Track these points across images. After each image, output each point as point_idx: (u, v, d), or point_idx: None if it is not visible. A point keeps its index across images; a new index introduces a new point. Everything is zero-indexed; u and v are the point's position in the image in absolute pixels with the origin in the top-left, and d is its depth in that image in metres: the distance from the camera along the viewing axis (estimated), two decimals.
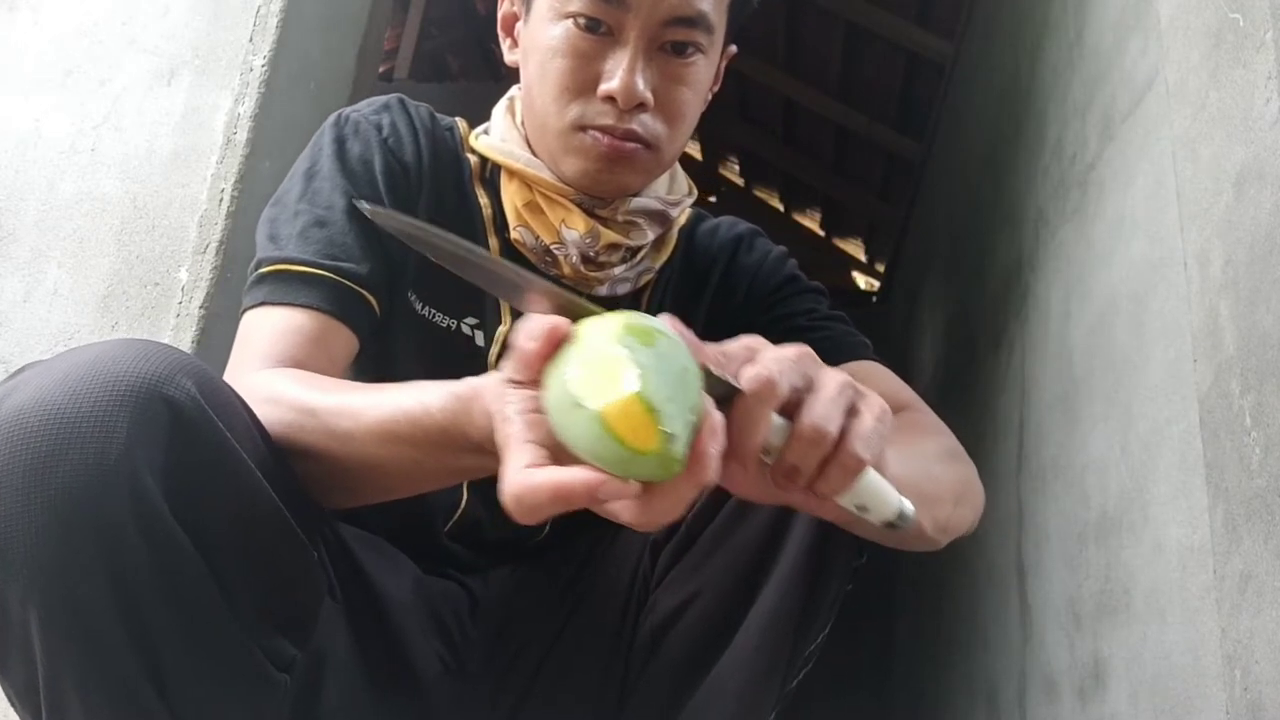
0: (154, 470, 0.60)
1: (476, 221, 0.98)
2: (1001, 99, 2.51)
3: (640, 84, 0.88)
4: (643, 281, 1.00)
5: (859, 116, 4.50)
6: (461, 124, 1.04)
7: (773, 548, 0.83)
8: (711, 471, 0.52)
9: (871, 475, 0.58)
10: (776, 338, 0.61)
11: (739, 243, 1.08)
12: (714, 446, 0.52)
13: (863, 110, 4.48)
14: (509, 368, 0.57)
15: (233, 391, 0.68)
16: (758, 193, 6.30)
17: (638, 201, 0.95)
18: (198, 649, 0.65)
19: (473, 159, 1.01)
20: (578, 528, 0.99)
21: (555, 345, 0.54)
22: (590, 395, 0.50)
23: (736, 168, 6.26)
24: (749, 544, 0.84)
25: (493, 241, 0.98)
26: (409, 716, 0.90)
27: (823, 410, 0.56)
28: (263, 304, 0.86)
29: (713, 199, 6.27)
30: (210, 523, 0.64)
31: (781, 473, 0.57)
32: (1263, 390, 0.90)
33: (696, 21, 0.89)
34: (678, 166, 1.03)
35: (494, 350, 0.95)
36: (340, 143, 0.95)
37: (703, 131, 5.68)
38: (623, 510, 0.52)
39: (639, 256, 0.99)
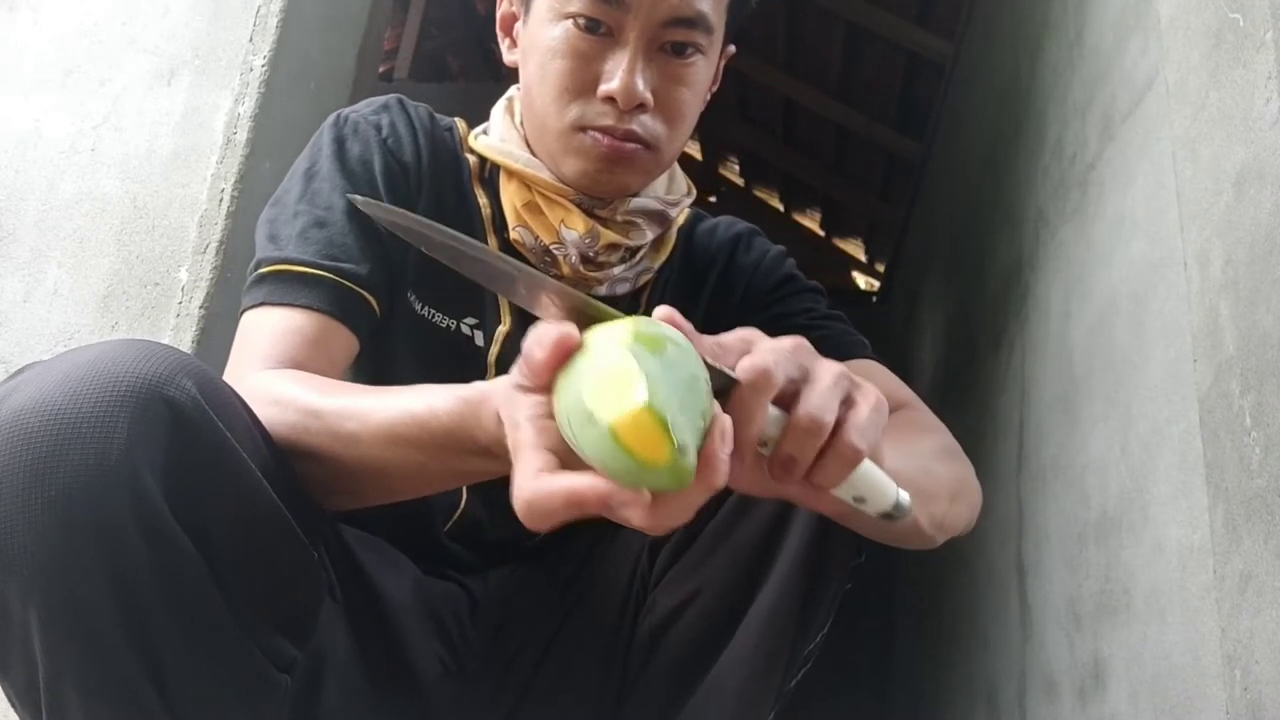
0: (154, 471, 0.60)
1: (476, 222, 0.98)
2: (1001, 99, 2.51)
3: (640, 85, 0.88)
4: (641, 281, 1.01)
5: (859, 116, 4.50)
6: (460, 124, 1.04)
7: (771, 546, 0.83)
8: (721, 476, 0.52)
9: (868, 466, 0.58)
10: (774, 336, 0.61)
11: (737, 242, 1.08)
12: (724, 451, 0.52)
13: (863, 110, 4.48)
14: (518, 373, 0.57)
15: (233, 392, 0.68)
16: (758, 193, 6.30)
17: (637, 202, 0.95)
18: (198, 649, 0.65)
19: (472, 159, 1.01)
20: (576, 528, 0.99)
21: (565, 355, 0.54)
22: (600, 407, 0.50)
23: (736, 168, 6.26)
24: (747, 543, 0.84)
25: (492, 241, 0.98)
26: (408, 717, 0.90)
27: (819, 401, 0.56)
28: (263, 304, 0.86)
29: (713, 199, 6.27)
30: (211, 523, 0.64)
31: (778, 464, 0.57)
32: (1263, 390, 0.90)
33: (696, 22, 0.89)
34: (676, 166, 1.03)
35: (494, 350, 0.95)
36: (340, 143, 0.95)
37: (703, 131, 5.68)
38: (633, 516, 0.52)
39: (638, 256, 0.99)
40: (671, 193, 1.01)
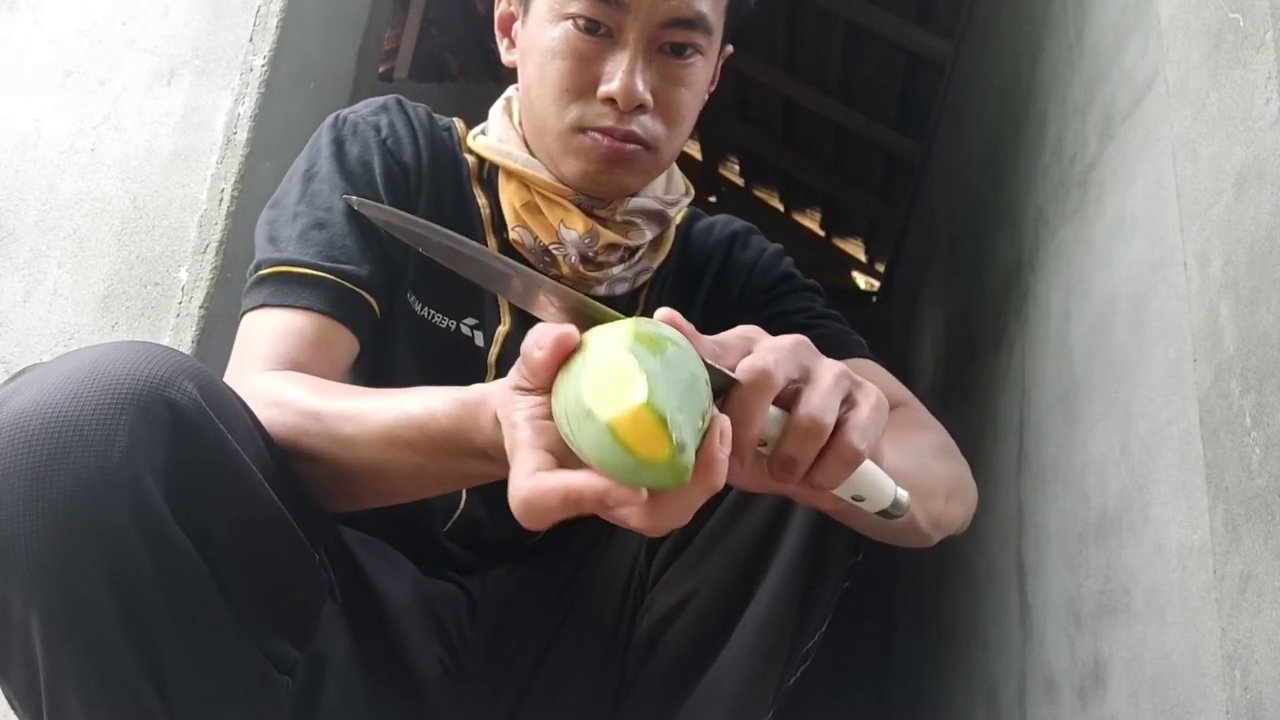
0: (155, 472, 0.60)
1: (475, 222, 0.98)
2: (1001, 99, 2.51)
3: (640, 85, 0.88)
4: (640, 281, 1.01)
5: (859, 116, 4.50)
6: (459, 124, 1.04)
7: (769, 546, 0.83)
8: (720, 476, 0.52)
9: (868, 465, 0.58)
10: (772, 335, 0.61)
11: (734, 240, 1.08)
12: (723, 451, 0.52)
13: (863, 110, 4.48)
14: (517, 374, 0.56)
15: (234, 394, 0.68)
16: (758, 193, 6.30)
17: (636, 202, 0.95)
18: (199, 650, 0.65)
19: (470, 159, 1.01)
20: (575, 527, 0.99)
21: (565, 354, 0.54)
22: (599, 404, 0.50)
23: (736, 168, 6.26)
24: (745, 542, 0.84)
25: (491, 242, 0.98)
26: (408, 717, 0.90)
27: (819, 402, 0.56)
28: (263, 306, 0.86)
29: (713, 199, 6.27)
30: (211, 525, 0.64)
31: (779, 464, 0.57)
32: (1263, 390, 0.90)
33: (695, 23, 0.89)
34: (675, 166, 1.03)
35: (494, 350, 0.96)
36: (339, 144, 0.95)
37: (703, 131, 5.68)
38: (631, 516, 0.52)
39: (637, 256, 0.99)
40: (670, 192, 1.01)
